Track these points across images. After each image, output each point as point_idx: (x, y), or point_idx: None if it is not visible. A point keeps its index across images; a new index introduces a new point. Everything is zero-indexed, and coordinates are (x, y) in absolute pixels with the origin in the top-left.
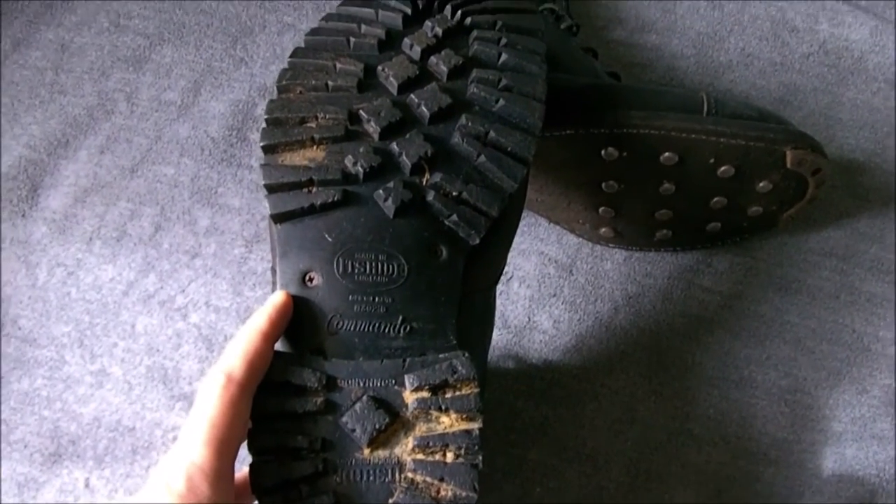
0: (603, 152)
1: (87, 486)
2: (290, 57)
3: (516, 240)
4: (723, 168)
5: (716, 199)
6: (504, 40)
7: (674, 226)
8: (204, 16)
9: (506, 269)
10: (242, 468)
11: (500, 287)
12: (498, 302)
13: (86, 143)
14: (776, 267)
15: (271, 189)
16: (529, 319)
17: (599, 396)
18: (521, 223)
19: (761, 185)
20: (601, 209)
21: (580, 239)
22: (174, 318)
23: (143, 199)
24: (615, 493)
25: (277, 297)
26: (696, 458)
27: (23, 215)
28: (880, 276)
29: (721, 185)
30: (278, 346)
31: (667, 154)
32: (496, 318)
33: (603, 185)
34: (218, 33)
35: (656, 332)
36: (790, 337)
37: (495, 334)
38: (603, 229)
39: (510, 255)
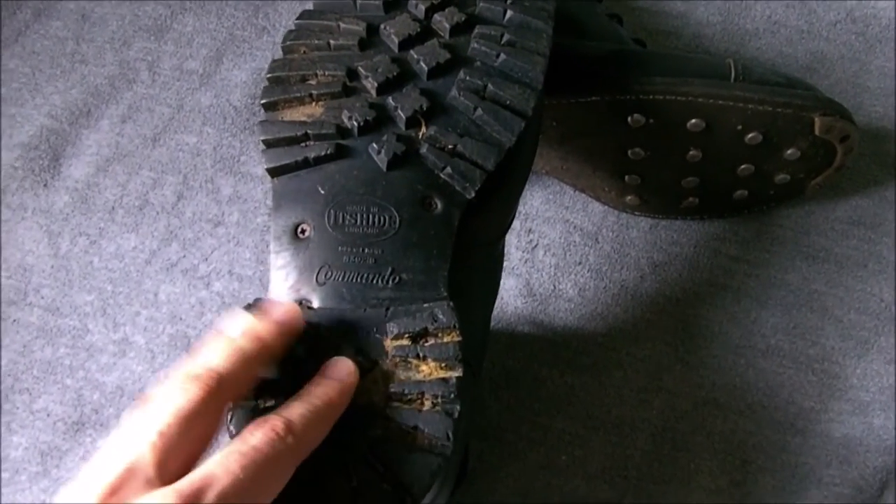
0: (629, 119)
1: None
2: (297, 19)
3: (541, 207)
4: (750, 135)
5: (743, 166)
6: None
7: (700, 193)
8: None
9: (531, 237)
10: None
11: (525, 255)
12: (523, 269)
13: (108, 113)
14: (803, 235)
15: (268, 144)
16: (555, 287)
17: (625, 365)
18: (547, 191)
19: (789, 152)
20: (627, 177)
21: (606, 207)
22: (197, 287)
23: (166, 168)
24: (640, 462)
25: (284, 310)
26: (722, 427)
27: (45, 185)
28: None
29: (748, 152)
30: (265, 296)
31: (694, 121)
32: (523, 287)
33: (629, 152)
34: (240, 2)
35: (682, 300)
36: (817, 306)
37: (520, 302)
38: (629, 197)
39: (535, 223)
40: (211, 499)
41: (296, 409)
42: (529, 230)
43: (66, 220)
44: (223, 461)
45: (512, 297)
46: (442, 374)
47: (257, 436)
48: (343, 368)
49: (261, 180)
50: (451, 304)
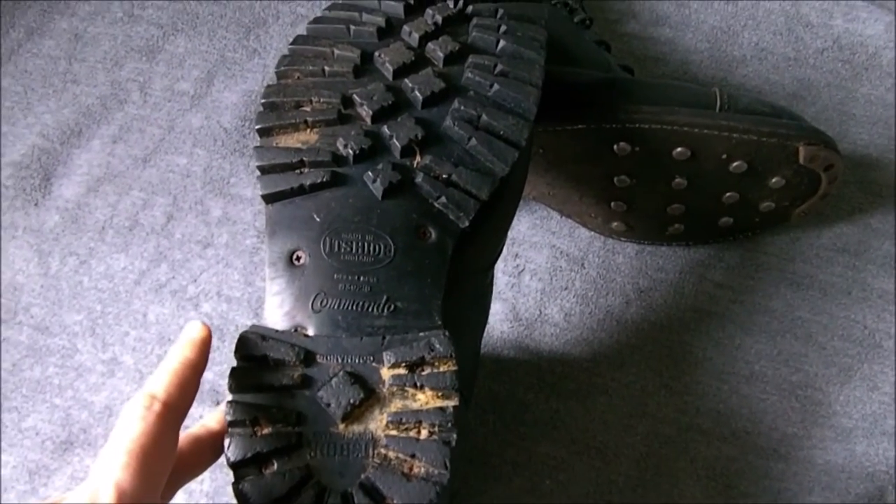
0: (615, 147)
1: None
2: (291, 44)
3: (528, 232)
4: (735, 163)
5: (728, 194)
6: (504, 28)
7: (686, 220)
8: (217, 6)
9: (517, 262)
10: (190, 431)
11: (511, 280)
12: (509, 294)
13: (99, 133)
14: (788, 262)
15: (263, 170)
16: (540, 312)
17: (609, 390)
18: (534, 216)
19: (774, 180)
20: (613, 203)
21: (592, 232)
22: (186, 308)
23: (156, 189)
24: (624, 487)
25: (197, 331)
26: (706, 452)
27: (35, 204)
28: (892, 273)
29: (733, 180)
30: (260, 322)
31: (679, 149)
32: (509, 311)
33: (615, 179)
34: (231, 24)
35: (667, 326)
36: (801, 333)
37: (506, 327)
38: (615, 223)
39: (521, 248)
40: (110, 490)
41: (154, 379)
42: (516, 255)
43: (56, 240)
44: (107, 455)
45: (498, 321)
46: (439, 402)
47: (126, 417)
48: (192, 327)
49: (250, 202)
50: (447, 333)
